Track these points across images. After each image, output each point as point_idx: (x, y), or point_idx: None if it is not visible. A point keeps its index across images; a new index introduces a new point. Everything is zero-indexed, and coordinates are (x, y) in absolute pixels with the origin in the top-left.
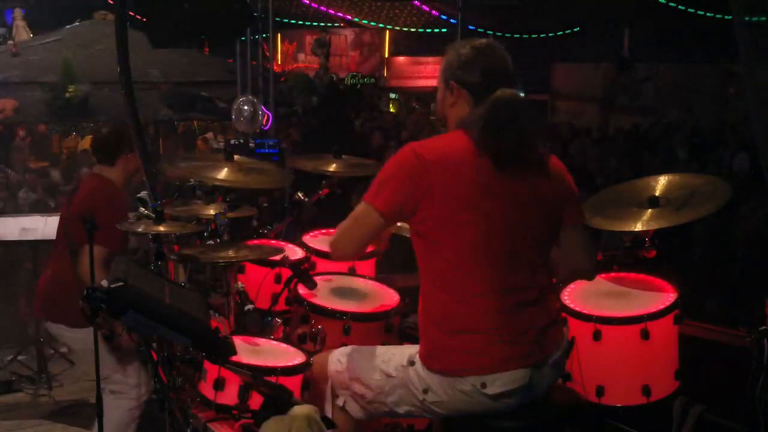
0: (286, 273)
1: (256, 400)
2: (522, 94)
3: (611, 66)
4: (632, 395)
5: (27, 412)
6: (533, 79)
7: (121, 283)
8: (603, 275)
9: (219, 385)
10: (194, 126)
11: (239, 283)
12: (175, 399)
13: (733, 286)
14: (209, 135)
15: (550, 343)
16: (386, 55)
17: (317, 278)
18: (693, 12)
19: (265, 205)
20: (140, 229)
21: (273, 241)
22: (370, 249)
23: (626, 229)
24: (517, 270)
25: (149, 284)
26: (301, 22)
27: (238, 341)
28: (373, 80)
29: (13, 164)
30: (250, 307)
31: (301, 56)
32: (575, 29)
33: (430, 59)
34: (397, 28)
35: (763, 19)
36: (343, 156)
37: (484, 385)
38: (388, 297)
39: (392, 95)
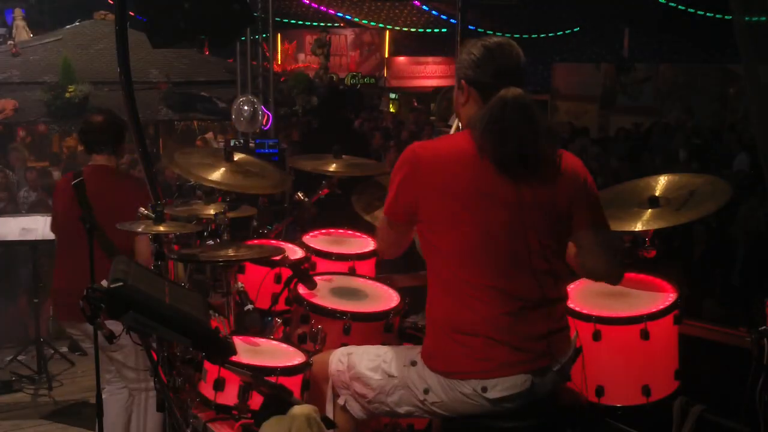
0: (286, 273)
1: (256, 400)
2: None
3: (611, 66)
4: (632, 395)
5: (27, 412)
6: (533, 79)
7: (121, 283)
8: None
9: (219, 385)
10: (194, 126)
11: (239, 283)
12: (175, 399)
13: (733, 286)
14: (209, 135)
15: (555, 350)
16: (386, 55)
17: (317, 278)
18: (693, 12)
19: (265, 205)
20: (140, 229)
21: (273, 241)
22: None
23: (626, 229)
24: (518, 274)
25: (149, 284)
26: (301, 22)
27: (238, 341)
28: (373, 80)
29: (13, 164)
30: (250, 307)
31: (301, 56)
32: (575, 29)
33: (430, 59)
34: (397, 28)
35: (763, 19)
36: (343, 156)
37: (484, 389)
38: (388, 297)
39: (392, 95)
